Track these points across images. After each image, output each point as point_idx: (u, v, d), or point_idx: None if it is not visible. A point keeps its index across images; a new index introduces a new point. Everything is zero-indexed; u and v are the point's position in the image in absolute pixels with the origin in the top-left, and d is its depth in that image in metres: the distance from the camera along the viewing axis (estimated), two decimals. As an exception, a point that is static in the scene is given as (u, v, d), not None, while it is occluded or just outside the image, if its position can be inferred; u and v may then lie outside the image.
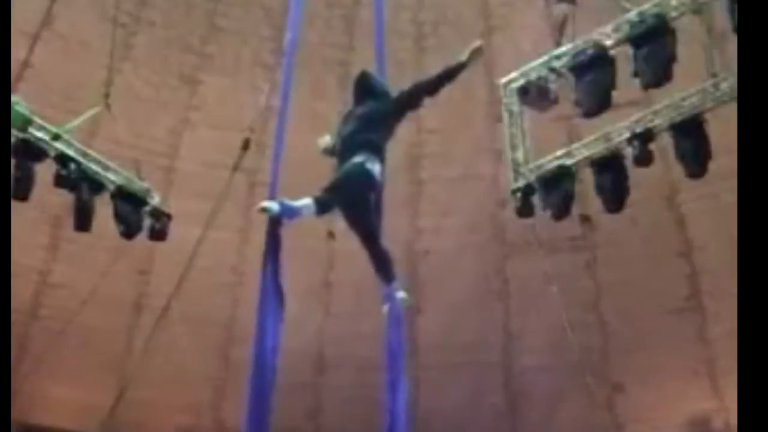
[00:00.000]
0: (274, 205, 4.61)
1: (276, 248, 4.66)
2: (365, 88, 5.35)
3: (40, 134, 9.24)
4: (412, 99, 5.24)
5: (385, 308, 5.21)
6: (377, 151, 4.98)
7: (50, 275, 11.75)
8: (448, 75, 5.13)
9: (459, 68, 5.10)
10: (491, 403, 12.28)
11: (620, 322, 11.85)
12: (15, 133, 8.85)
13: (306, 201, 4.68)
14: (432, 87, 5.17)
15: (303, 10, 5.39)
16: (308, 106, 11.23)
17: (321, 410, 12.16)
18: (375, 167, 4.91)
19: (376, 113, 5.12)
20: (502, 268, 12.39)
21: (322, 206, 4.73)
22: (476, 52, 5.15)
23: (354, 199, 4.99)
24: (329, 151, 5.32)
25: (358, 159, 4.87)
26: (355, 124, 5.11)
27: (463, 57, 5.08)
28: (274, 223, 4.65)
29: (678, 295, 11.56)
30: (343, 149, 5.03)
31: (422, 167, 12.39)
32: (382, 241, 5.15)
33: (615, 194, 9.44)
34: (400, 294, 5.22)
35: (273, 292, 4.61)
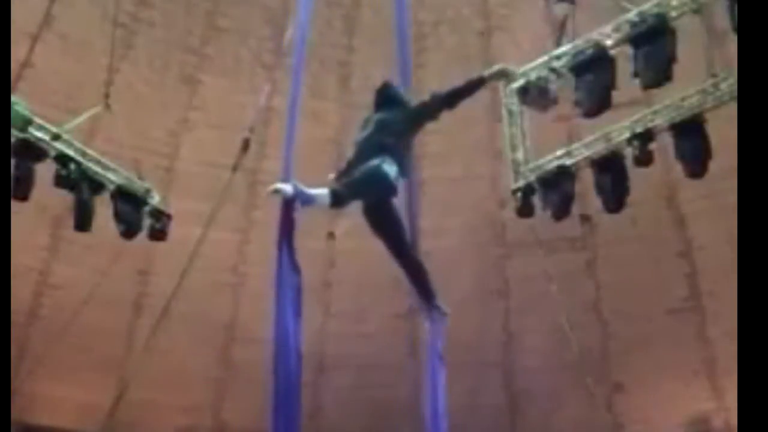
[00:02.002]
0: (287, 188, 4.49)
1: (290, 232, 4.54)
2: (386, 97, 5.28)
3: (40, 134, 9.24)
4: (430, 110, 5.14)
5: (426, 325, 5.19)
6: (393, 155, 4.89)
7: (50, 275, 11.75)
8: (468, 89, 5.05)
9: (479, 83, 5.05)
10: (491, 403, 12.29)
11: (620, 322, 11.85)
12: (15, 133, 8.85)
13: (322, 191, 4.59)
14: (451, 100, 5.08)
15: (310, 9, 5.28)
16: (308, 105, 11.22)
17: (321, 410, 12.15)
18: (392, 170, 4.82)
19: (393, 120, 5.05)
20: (502, 268, 12.39)
21: (337, 198, 4.62)
22: (502, 74, 5.16)
23: (373, 201, 4.93)
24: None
25: (374, 162, 4.80)
26: (372, 128, 5.05)
27: (486, 73, 5.05)
28: (288, 206, 4.54)
29: (678, 295, 11.56)
30: (359, 154, 4.96)
31: (422, 167, 12.38)
32: (413, 253, 5.08)
33: (615, 194, 9.46)
34: (444, 309, 5.26)
35: (290, 277, 4.43)
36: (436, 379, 5.12)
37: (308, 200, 4.53)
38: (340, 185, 4.77)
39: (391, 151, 4.89)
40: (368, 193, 4.88)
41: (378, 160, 4.79)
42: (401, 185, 5.07)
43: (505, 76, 5.29)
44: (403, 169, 4.94)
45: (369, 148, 4.91)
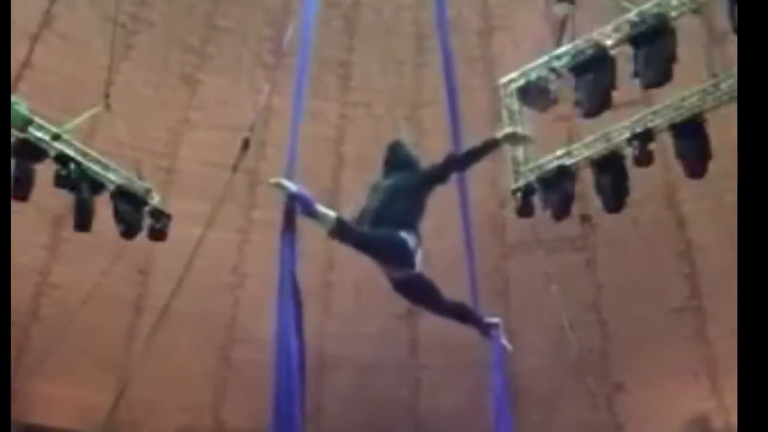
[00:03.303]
0: (291, 185, 4.27)
1: (291, 230, 4.32)
2: (396, 159, 5.10)
3: (40, 134, 9.24)
4: (441, 173, 4.97)
5: (490, 348, 5.34)
6: (410, 226, 4.76)
7: (50, 275, 11.74)
8: (481, 151, 4.93)
9: (492, 145, 4.91)
10: (491, 403, 12.28)
11: (620, 322, 11.85)
12: (15, 133, 8.85)
13: (328, 211, 4.42)
14: (463, 162, 5.02)
15: (315, 9, 5.18)
16: (308, 105, 11.21)
17: (321, 410, 12.15)
18: (411, 239, 4.70)
19: (404, 187, 4.87)
20: (502, 268, 12.39)
21: (342, 229, 4.48)
22: (513, 138, 5.02)
23: (393, 270, 4.82)
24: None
25: (392, 230, 4.69)
26: (383, 197, 4.87)
27: (499, 134, 4.90)
28: (290, 206, 4.32)
29: (678, 295, 11.56)
30: (372, 223, 4.80)
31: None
32: (446, 299, 5.07)
33: (615, 194, 9.46)
34: (493, 321, 5.40)
35: (290, 277, 4.26)
36: (501, 402, 5.36)
37: (309, 211, 4.35)
38: (354, 226, 4.62)
39: (407, 223, 4.75)
40: (378, 251, 4.73)
41: (394, 229, 4.68)
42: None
43: (518, 140, 5.19)
44: (420, 237, 4.79)
45: (383, 220, 4.73)
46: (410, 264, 4.77)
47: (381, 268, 4.89)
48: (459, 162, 5.00)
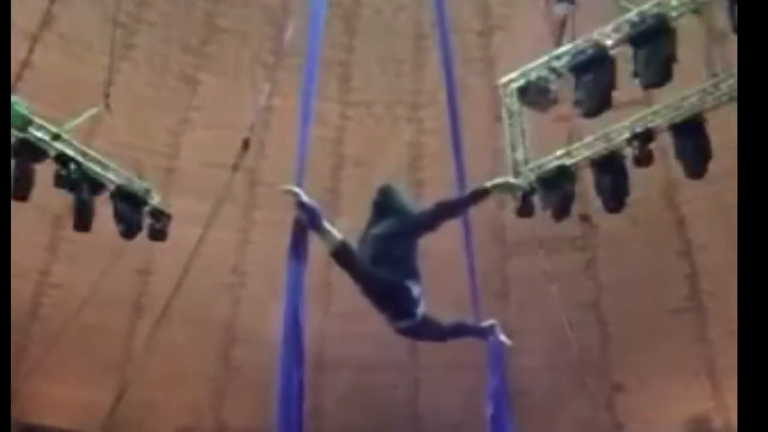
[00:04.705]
0: (302, 193, 4.23)
1: (301, 237, 4.31)
2: (386, 204, 4.99)
3: (40, 134, 9.24)
4: (432, 221, 4.89)
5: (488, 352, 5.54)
6: (411, 275, 4.72)
7: (50, 275, 11.75)
8: (473, 199, 4.90)
9: (483, 194, 4.83)
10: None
11: (620, 322, 11.85)
12: (15, 133, 8.85)
13: (336, 232, 4.36)
14: (453, 211, 5.00)
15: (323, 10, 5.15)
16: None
17: (321, 410, 12.16)
18: (414, 288, 4.68)
19: (394, 234, 4.79)
20: (502, 268, 12.39)
21: (345, 253, 4.43)
22: (506, 187, 5.00)
23: (390, 313, 4.81)
24: None
25: (395, 277, 4.66)
26: (375, 246, 4.78)
27: (489, 184, 4.82)
28: (299, 217, 4.30)
29: (678, 295, 11.56)
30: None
31: (422, 167, 12.39)
32: (446, 326, 5.14)
33: (615, 194, 9.46)
34: (488, 324, 5.57)
35: (298, 278, 4.26)
36: (498, 403, 5.36)
37: (315, 224, 4.29)
38: (362, 257, 4.58)
39: (409, 270, 4.72)
40: (378, 292, 4.68)
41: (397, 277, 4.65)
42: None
43: (509, 189, 5.19)
44: (421, 286, 4.77)
45: (384, 270, 4.65)
46: (411, 315, 4.73)
47: (382, 316, 4.82)
48: (449, 211, 4.93)
